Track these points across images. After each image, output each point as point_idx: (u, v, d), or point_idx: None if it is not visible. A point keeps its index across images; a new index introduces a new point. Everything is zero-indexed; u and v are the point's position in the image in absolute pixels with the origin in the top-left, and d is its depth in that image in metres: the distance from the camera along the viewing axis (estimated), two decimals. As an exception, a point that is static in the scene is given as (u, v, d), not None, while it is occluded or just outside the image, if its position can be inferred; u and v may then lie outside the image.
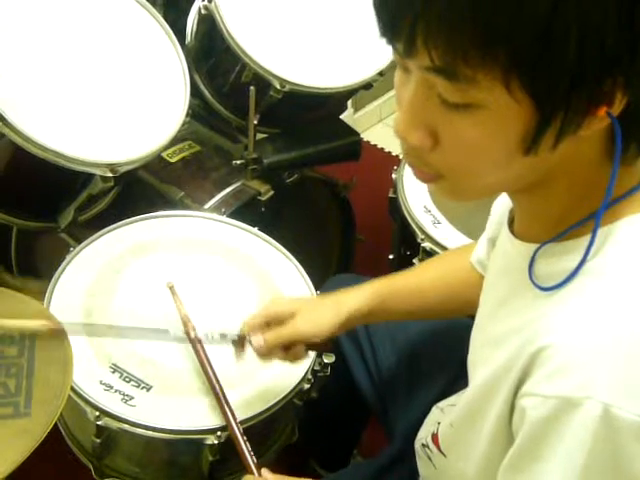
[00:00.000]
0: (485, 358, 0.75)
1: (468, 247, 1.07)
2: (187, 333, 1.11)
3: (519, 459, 0.66)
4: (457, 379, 1.07)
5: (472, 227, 1.42)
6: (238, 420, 1.05)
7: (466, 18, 0.53)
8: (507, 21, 0.52)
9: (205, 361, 1.08)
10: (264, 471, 0.96)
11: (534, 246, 0.70)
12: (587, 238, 0.64)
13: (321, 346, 1.09)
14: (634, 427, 0.58)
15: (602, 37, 0.53)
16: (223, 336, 1.06)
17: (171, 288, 1.18)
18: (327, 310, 1.05)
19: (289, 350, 1.04)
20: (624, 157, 0.63)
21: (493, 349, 0.72)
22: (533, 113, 0.57)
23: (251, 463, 0.98)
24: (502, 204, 0.90)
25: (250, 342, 1.03)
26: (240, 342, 1.05)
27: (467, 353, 0.88)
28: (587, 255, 0.64)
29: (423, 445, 0.98)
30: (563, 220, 0.67)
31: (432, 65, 0.57)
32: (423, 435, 1.01)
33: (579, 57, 0.53)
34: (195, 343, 1.10)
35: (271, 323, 1.04)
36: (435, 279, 1.10)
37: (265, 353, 1.03)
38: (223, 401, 1.05)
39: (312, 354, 1.15)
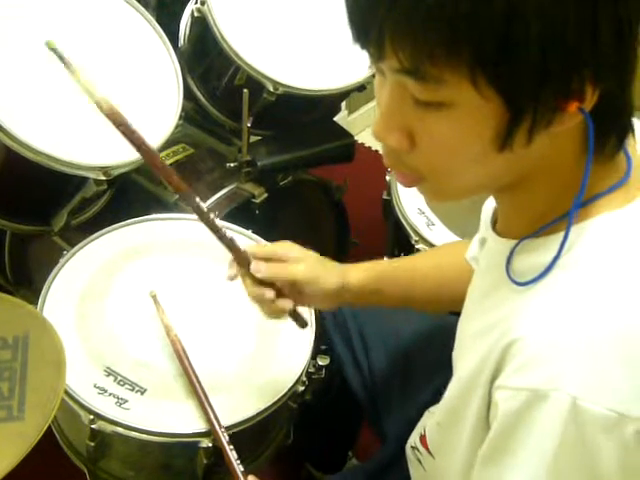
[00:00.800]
0: (465, 353, 0.76)
1: (466, 242, 1.07)
2: (172, 342, 1.11)
3: (492, 452, 0.66)
4: (449, 382, 1.07)
5: (466, 229, 1.41)
6: (233, 422, 1.05)
7: (429, 18, 0.54)
8: (467, 20, 0.53)
9: (190, 370, 1.08)
10: (251, 478, 0.96)
11: (513, 242, 0.71)
12: (562, 234, 0.65)
13: (300, 317, 1.04)
14: (602, 420, 0.59)
15: (563, 32, 0.54)
16: (228, 239, 0.97)
17: (154, 297, 1.17)
18: (332, 270, 1.02)
19: (278, 295, 0.98)
20: (602, 153, 0.64)
21: (472, 344, 0.73)
22: (503, 110, 0.58)
23: (238, 472, 0.98)
24: (491, 206, 0.90)
25: (249, 263, 0.96)
26: (238, 257, 0.98)
27: None
28: (561, 251, 0.64)
29: (412, 447, 0.98)
30: (543, 217, 0.68)
31: (401, 67, 0.58)
32: (412, 438, 1.01)
33: (541, 53, 0.54)
34: (179, 352, 1.10)
35: (276, 259, 0.99)
36: (432, 268, 1.09)
37: (258, 280, 0.96)
38: (210, 411, 1.04)
39: (306, 354, 1.15)
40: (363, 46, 0.61)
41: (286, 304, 0.98)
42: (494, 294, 0.74)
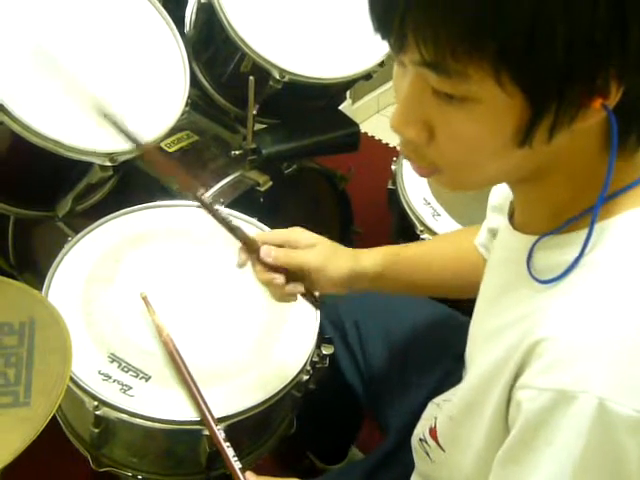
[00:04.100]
0: (483, 351, 0.75)
1: (476, 228, 1.07)
2: (164, 343, 1.11)
3: (514, 451, 0.65)
4: (450, 374, 1.06)
5: (472, 219, 1.41)
6: (236, 411, 1.05)
7: (452, 13, 0.53)
8: (492, 16, 0.52)
9: (184, 371, 1.08)
10: (248, 474, 0.96)
11: (533, 238, 0.70)
12: (585, 231, 0.64)
13: (313, 298, 1.05)
14: (630, 421, 0.58)
15: (591, 31, 0.53)
16: (236, 228, 0.97)
17: (144, 298, 1.16)
18: (344, 256, 1.02)
19: (288, 280, 0.98)
20: (624, 149, 0.63)
21: (491, 342, 0.72)
22: (525, 106, 0.57)
23: (236, 469, 0.97)
24: (500, 192, 0.90)
25: (258, 250, 0.96)
26: (248, 244, 0.97)
27: (460, 348, 0.88)
28: (585, 249, 0.63)
29: (420, 440, 0.98)
30: (563, 212, 0.67)
31: (422, 60, 0.57)
32: (420, 430, 1.01)
33: (567, 51, 0.53)
34: (173, 352, 1.09)
35: (287, 244, 0.99)
36: (445, 253, 1.09)
37: (268, 266, 0.96)
38: (207, 414, 1.03)
39: (310, 343, 1.15)
40: (384, 37, 0.60)
41: (296, 289, 0.99)
42: (512, 291, 0.73)
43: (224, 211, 0.97)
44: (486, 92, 0.57)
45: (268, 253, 0.95)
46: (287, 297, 1.00)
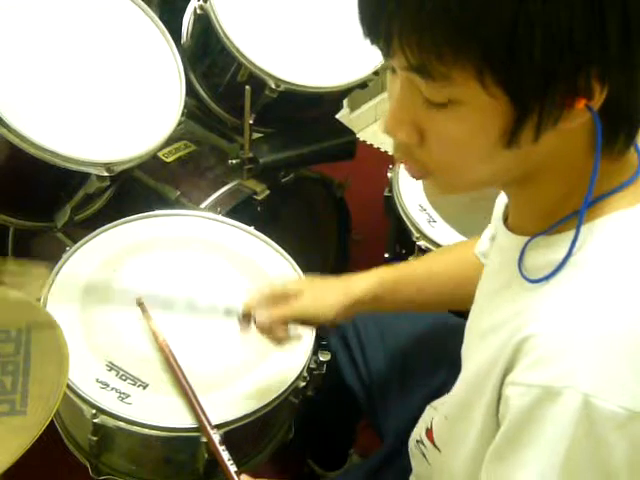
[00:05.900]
0: (476, 349, 0.76)
1: (474, 240, 1.07)
2: (160, 348, 1.12)
3: (502, 447, 0.66)
4: (449, 379, 1.06)
5: (467, 226, 1.43)
6: (234, 418, 1.05)
7: (436, 17, 0.55)
8: (475, 19, 0.54)
9: (180, 375, 1.09)
10: (244, 477, 0.96)
11: (525, 238, 0.71)
12: (574, 232, 0.65)
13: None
14: (614, 417, 0.59)
15: (570, 33, 0.54)
16: (228, 311, 1.05)
17: (141, 304, 1.17)
18: (335, 292, 1.04)
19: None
20: (612, 151, 0.64)
21: (484, 340, 0.73)
22: (509, 107, 0.59)
23: (232, 472, 0.98)
24: (503, 201, 0.91)
25: (254, 317, 1.02)
26: (245, 317, 1.04)
27: (459, 351, 0.89)
28: (572, 249, 0.65)
29: (417, 442, 0.98)
30: (553, 213, 0.68)
31: (408, 64, 0.59)
32: (417, 432, 1.01)
33: (547, 53, 0.55)
34: (169, 357, 1.10)
35: (277, 299, 1.03)
36: (442, 270, 1.10)
37: (267, 329, 1.03)
38: (201, 414, 1.04)
39: (308, 346, 1.16)
40: (372, 42, 0.62)
41: (299, 336, 1.07)
42: (505, 291, 0.74)
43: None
44: (471, 94, 0.59)
45: (262, 321, 1.02)
46: (290, 343, 1.07)
